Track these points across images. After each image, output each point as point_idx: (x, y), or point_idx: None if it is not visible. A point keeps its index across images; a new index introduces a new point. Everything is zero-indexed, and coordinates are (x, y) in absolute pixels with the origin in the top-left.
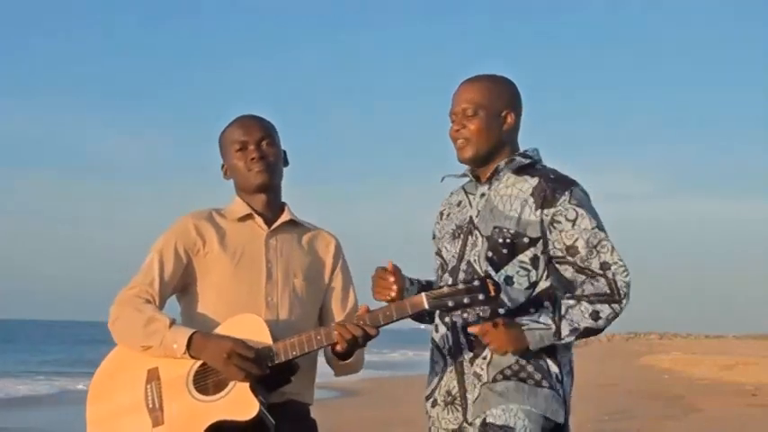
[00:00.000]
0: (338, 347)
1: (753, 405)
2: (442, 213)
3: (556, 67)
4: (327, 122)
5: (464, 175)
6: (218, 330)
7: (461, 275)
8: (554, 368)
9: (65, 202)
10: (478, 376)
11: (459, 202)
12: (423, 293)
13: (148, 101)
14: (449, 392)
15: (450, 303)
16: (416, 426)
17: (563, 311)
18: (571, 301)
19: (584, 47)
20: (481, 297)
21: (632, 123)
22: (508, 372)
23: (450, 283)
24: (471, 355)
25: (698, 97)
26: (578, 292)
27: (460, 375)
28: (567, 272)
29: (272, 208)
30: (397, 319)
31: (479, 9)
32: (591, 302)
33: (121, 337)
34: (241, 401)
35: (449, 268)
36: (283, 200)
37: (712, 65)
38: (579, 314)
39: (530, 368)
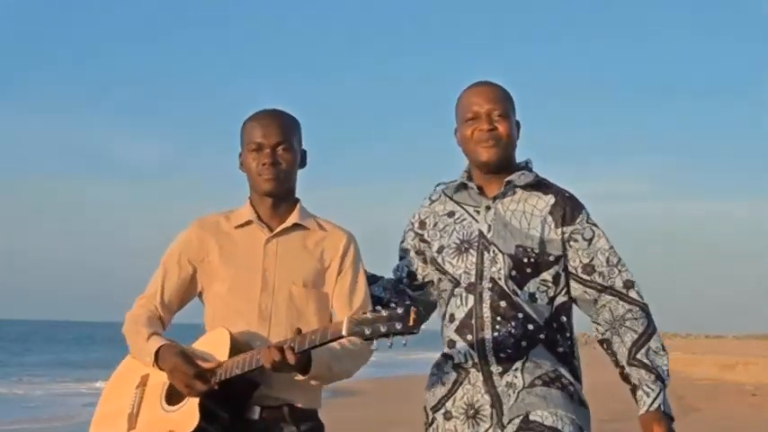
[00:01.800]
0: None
1: (753, 405)
2: (424, 223)
3: (561, 74)
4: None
5: (461, 185)
6: (194, 343)
7: (487, 293)
8: (578, 384)
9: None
10: (512, 385)
11: (452, 213)
12: (345, 318)
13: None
14: (471, 405)
15: (367, 331)
16: (416, 426)
17: (649, 363)
18: (642, 350)
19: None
20: (398, 326)
21: (631, 129)
22: (546, 378)
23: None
24: (501, 369)
25: (694, 104)
26: (631, 334)
27: (492, 389)
28: (577, 291)
29: (279, 212)
30: (321, 344)
31: (476, 8)
32: (650, 338)
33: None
34: (186, 415)
35: (464, 284)
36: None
37: (708, 71)
38: (657, 356)
39: (565, 380)
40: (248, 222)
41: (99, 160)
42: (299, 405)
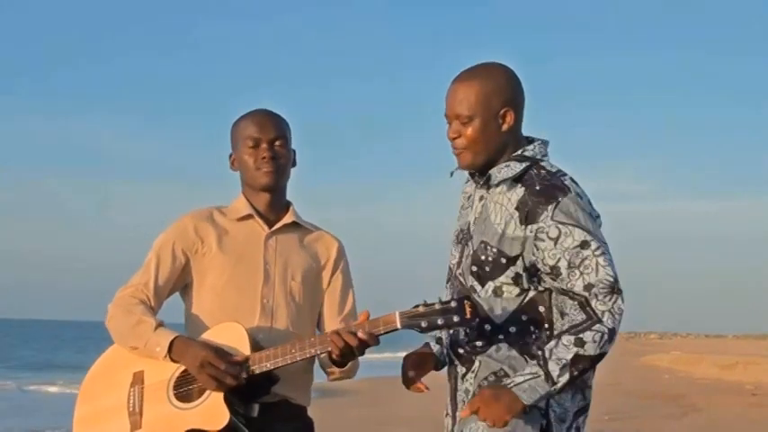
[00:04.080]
0: (334, 356)
1: (753, 405)
2: (461, 206)
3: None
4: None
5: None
6: (203, 337)
7: (456, 288)
8: None
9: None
10: (468, 391)
11: (469, 198)
12: (396, 311)
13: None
14: (448, 406)
15: (424, 324)
16: (411, 425)
17: (547, 355)
18: (552, 342)
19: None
20: (456, 319)
21: (632, 132)
22: (484, 383)
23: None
24: (464, 370)
25: (691, 105)
26: (556, 330)
27: (453, 392)
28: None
29: (276, 208)
30: (370, 335)
31: (475, 9)
32: (570, 333)
33: (114, 336)
34: (213, 411)
35: (450, 276)
36: (289, 198)
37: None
38: (563, 348)
39: (508, 380)
40: (247, 216)
41: (102, 160)
42: (295, 401)
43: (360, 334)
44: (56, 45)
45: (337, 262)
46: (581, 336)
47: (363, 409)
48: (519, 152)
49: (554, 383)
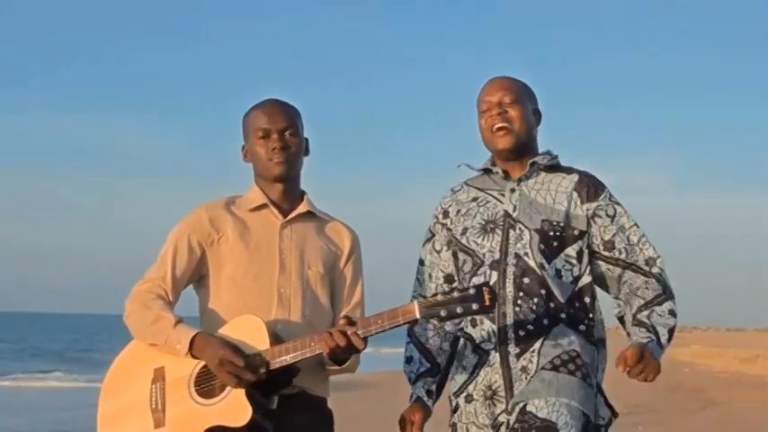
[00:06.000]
0: (326, 355)
1: None
2: (447, 212)
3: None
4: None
5: (484, 169)
6: (222, 331)
7: (510, 269)
8: (600, 365)
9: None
10: (525, 369)
11: (475, 198)
12: (415, 301)
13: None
14: (489, 387)
15: (443, 313)
16: (432, 419)
17: (647, 321)
18: (644, 312)
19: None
20: (475, 307)
21: (645, 127)
22: (557, 361)
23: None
24: (518, 350)
25: (700, 104)
26: (639, 301)
27: (507, 370)
28: (600, 267)
29: (290, 198)
30: (390, 329)
31: (476, 13)
32: (659, 304)
33: (133, 332)
34: (235, 407)
35: (488, 262)
36: (303, 188)
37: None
38: (661, 318)
39: (579, 360)
40: (262, 206)
41: (106, 157)
42: (314, 393)
43: (351, 335)
44: (60, 43)
45: (351, 253)
46: (670, 307)
47: (380, 404)
48: (546, 151)
49: (662, 346)
